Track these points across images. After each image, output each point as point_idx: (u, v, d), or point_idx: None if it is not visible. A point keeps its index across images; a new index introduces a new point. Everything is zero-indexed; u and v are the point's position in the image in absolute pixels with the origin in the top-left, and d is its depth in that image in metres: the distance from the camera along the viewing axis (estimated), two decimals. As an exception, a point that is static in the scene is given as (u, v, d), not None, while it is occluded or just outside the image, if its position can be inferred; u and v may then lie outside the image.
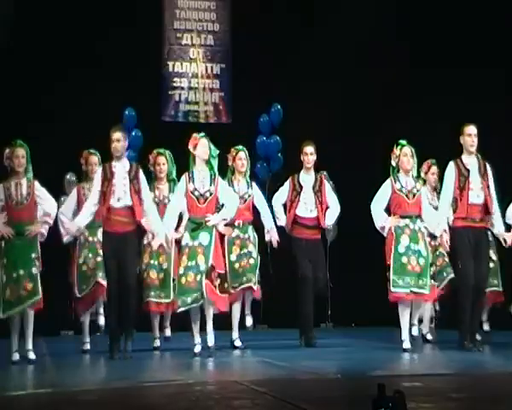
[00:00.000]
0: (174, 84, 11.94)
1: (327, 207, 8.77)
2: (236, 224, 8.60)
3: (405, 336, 7.94)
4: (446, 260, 8.76)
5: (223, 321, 8.83)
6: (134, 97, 10.91)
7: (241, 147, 9.03)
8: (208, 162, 7.91)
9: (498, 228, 8.06)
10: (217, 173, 7.90)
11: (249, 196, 8.77)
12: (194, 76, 12.01)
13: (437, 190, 8.87)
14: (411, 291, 7.85)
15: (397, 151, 8.08)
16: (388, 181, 8.11)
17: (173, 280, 8.21)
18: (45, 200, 7.72)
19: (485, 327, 8.89)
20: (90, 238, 8.29)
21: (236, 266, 8.54)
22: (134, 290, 7.73)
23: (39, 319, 7.99)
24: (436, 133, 10.14)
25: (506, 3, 10.82)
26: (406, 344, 7.91)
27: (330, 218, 8.82)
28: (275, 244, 8.72)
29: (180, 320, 8.54)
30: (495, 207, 8.01)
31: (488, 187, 7.96)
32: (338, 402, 5.29)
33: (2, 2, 10.20)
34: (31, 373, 7.19)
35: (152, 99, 11.43)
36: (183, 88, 11.95)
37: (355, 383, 6.08)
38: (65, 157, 9.32)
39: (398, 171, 8.10)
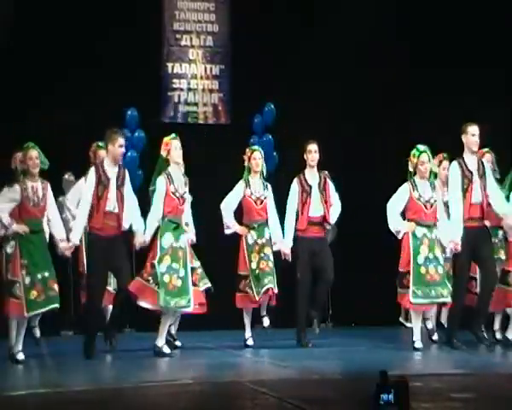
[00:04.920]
0: (173, 86, 11.92)
1: (331, 206, 8.75)
2: (250, 225, 8.69)
3: (417, 337, 8.04)
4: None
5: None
6: (133, 98, 10.90)
7: (256, 147, 9.04)
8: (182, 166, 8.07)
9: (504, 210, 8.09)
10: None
11: (265, 197, 8.76)
12: (193, 77, 11.99)
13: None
14: (432, 302, 8.06)
15: (414, 159, 8.13)
16: (406, 186, 8.15)
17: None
18: (53, 210, 7.84)
19: (498, 335, 8.76)
20: None
21: (257, 272, 8.58)
22: (128, 291, 7.71)
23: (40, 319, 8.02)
24: (437, 133, 10.13)
25: (506, 3, 10.82)
26: (418, 344, 8.00)
27: (334, 216, 8.80)
28: (287, 257, 8.65)
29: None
30: (500, 198, 8.05)
31: (485, 188, 8.00)
32: (338, 402, 5.29)
33: (2, 3, 10.18)
34: (31, 373, 7.18)
35: (151, 100, 11.42)
36: (182, 89, 11.93)
37: (355, 383, 6.07)
38: (63, 157, 9.30)
39: (415, 174, 8.16)
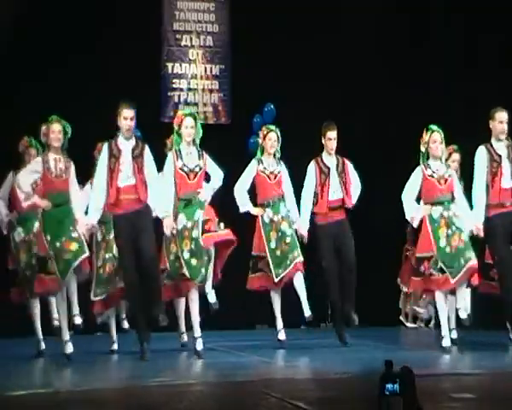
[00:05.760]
0: (173, 86, 11.93)
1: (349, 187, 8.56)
2: (266, 203, 8.50)
3: (445, 332, 7.76)
4: None
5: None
6: (133, 98, 10.85)
7: (273, 127, 8.90)
8: (194, 141, 7.76)
9: None
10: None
11: (279, 171, 8.61)
12: (193, 77, 12.01)
13: (458, 176, 8.49)
14: (465, 269, 7.60)
15: (426, 137, 7.86)
16: (419, 168, 7.89)
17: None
18: (73, 185, 7.65)
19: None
20: (107, 237, 8.04)
21: (278, 252, 8.38)
22: (157, 271, 7.47)
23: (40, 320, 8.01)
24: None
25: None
26: (446, 342, 7.72)
27: (354, 196, 8.59)
28: (304, 239, 8.47)
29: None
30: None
31: None
32: (338, 402, 5.29)
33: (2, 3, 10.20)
34: (31, 373, 7.19)
35: (151, 100, 11.42)
36: (182, 89, 11.95)
37: (355, 383, 6.07)
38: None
39: (428, 158, 7.89)
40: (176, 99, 11.91)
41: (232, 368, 7.07)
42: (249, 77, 11.38)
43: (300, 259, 8.37)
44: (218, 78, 12.06)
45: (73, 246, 7.42)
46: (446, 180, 7.85)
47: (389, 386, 4.12)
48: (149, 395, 5.72)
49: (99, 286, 8.05)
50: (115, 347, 8.41)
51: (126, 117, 7.55)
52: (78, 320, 7.54)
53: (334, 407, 5.16)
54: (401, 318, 11.62)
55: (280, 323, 8.56)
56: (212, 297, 7.74)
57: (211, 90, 12.02)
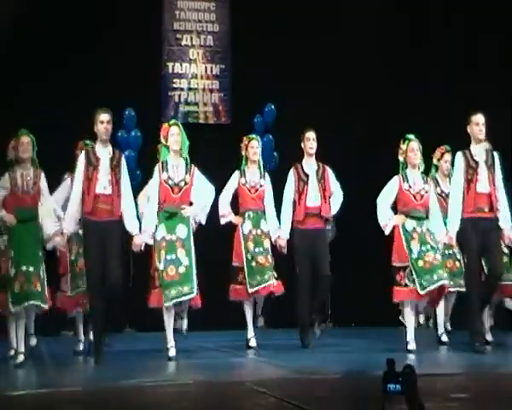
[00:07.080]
0: (174, 85, 11.94)
1: (330, 196, 8.45)
2: (247, 215, 8.48)
3: (410, 337, 7.87)
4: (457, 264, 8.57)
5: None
6: (134, 98, 10.92)
7: (253, 135, 8.87)
8: (183, 152, 7.65)
9: (503, 223, 7.75)
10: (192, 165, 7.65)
11: (261, 185, 8.56)
12: (193, 77, 12.02)
13: (450, 177, 8.61)
14: (437, 285, 7.72)
15: (403, 146, 7.96)
16: (396, 178, 7.98)
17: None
18: (45, 198, 7.57)
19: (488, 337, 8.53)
20: (80, 231, 7.84)
21: (253, 264, 8.36)
22: (119, 286, 7.31)
23: (40, 319, 8.00)
24: (436, 133, 10.14)
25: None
26: (411, 345, 7.83)
27: (335, 206, 8.50)
28: (283, 251, 8.42)
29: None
30: (501, 201, 7.77)
31: (493, 180, 7.73)
32: (338, 402, 5.29)
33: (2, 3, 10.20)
34: (31, 373, 7.18)
35: (152, 100, 11.44)
36: (182, 89, 11.95)
37: (355, 383, 6.07)
38: (63, 158, 9.30)
39: (407, 166, 7.98)
40: (176, 99, 11.92)
41: (231, 368, 7.07)
42: (249, 77, 11.39)
43: (274, 282, 8.40)
44: (218, 77, 12.07)
45: (38, 287, 7.33)
46: (422, 196, 7.93)
47: (391, 386, 4.09)
48: (149, 395, 5.72)
49: (74, 280, 8.02)
50: (80, 347, 8.28)
51: (103, 121, 7.46)
52: (33, 341, 7.40)
53: (334, 407, 5.16)
54: (401, 318, 11.61)
55: (251, 331, 8.53)
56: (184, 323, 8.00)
57: (211, 90, 12.02)
